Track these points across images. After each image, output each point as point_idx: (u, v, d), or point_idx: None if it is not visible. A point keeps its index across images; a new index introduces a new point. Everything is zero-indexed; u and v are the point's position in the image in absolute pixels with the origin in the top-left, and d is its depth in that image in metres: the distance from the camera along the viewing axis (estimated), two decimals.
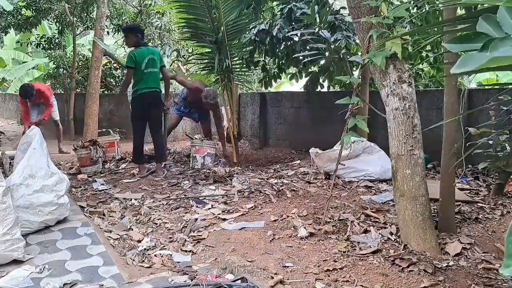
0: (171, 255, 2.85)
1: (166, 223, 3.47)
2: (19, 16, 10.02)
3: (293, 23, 6.02)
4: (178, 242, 3.07)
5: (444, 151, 3.04)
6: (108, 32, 10.51)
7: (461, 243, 2.85)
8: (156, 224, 3.46)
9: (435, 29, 3.13)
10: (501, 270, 0.81)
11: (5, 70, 16.02)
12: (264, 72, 7.13)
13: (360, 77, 3.29)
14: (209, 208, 3.75)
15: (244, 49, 6.42)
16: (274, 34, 6.01)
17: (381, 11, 2.82)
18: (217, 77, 6.06)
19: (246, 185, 4.42)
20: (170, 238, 3.17)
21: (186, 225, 3.38)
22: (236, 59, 6.20)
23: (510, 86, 4.85)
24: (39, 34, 11.73)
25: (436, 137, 3.53)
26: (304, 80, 6.93)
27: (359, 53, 4.39)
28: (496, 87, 6.05)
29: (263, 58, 7.10)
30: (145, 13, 10.23)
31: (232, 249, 2.89)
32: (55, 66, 10.61)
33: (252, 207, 3.71)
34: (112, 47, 12.10)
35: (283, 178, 4.70)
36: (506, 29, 0.97)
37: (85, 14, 9.97)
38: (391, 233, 3.01)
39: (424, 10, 4.35)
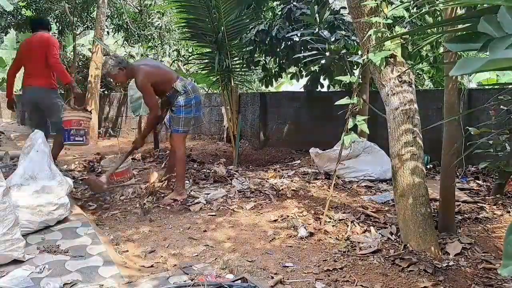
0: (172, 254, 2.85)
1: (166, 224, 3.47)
2: (19, 16, 10.03)
3: (293, 23, 6.02)
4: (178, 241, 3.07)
5: (444, 151, 3.04)
6: (108, 32, 10.52)
7: (461, 243, 2.85)
8: (158, 225, 3.46)
9: (435, 29, 3.13)
10: (500, 270, 0.81)
11: (5, 70, 16.01)
12: (265, 71, 7.14)
13: (360, 77, 3.28)
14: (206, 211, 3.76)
15: (244, 49, 6.43)
16: (274, 34, 6.02)
17: (381, 11, 2.82)
18: (217, 77, 6.06)
19: (246, 185, 4.42)
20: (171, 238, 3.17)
21: (186, 225, 3.39)
22: (236, 59, 6.20)
23: (510, 86, 4.84)
24: None
25: (436, 137, 3.53)
26: (304, 80, 6.94)
27: (359, 53, 4.39)
28: (496, 86, 6.05)
29: (263, 58, 7.11)
30: (145, 13, 10.23)
31: (232, 249, 2.89)
32: None
33: (252, 207, 3.72)
34: (112, 47, 12.10)
35: (283, 178, 4.70)
36: (507, 29, 0.97)
37: (85, 14, 9.98)
38: (391, 233, 3.01)
39: (423, 10, 4.34)
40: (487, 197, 3.96)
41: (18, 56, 4.86)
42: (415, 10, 4.37)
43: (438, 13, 4.63)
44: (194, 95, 4.04)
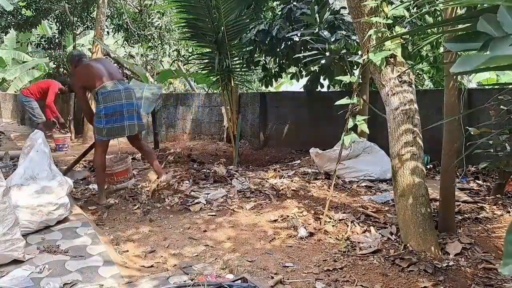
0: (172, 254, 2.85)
1: (166, 224, 3.47)
2: (19, 16, 10.02)
3: (293, 23, 6.02)
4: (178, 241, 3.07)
5: (444, 151, 3.03)
6: (108, 32, 10.52)
7: (461, 243, 2.85)
8: (158, 225, 3.46)
9: (435, 29, 3.13)
10: (500, 269, 0.81)
11: (5, 70, 16.01)
12: (265, 71, 7.13)
13: (360, 77, 3.28)
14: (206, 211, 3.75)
15: (244, 49, 6.42)
16: (274, 34, 6.02)
17: (381, 11, 2.82)
18: (217, 77, 6.06)
19: (246, 185, 4.41)
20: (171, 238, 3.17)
21: (186, 225, 3.39)
22: (236, 59, 6.20)
23: (510, 86, 4.84)
24: (39, 34, 11.73)
25: (436, 137, 3.53)
26: (304, 80, 6.93)
27: (359, 53, 4.39)
28: (496, 87, 6.05)
29: (263, 58, 7.10)
30: (145, 13, 10.23)
31: (232, 249, 2.89)
32: (55, 66, 10.61)
33: (252, 207, 3.71)
34: (112, 47, 12.10)
35: (283, 178, 4.69)
36: (507, 29, 0.97)
37: (85, 14, 9.97)
38: (391, 233, 3.01)
39: (423, 10, 4.34)
40: (487, 197, 3.96)
41: None
42: (415, 10, 4.37)
43: (438, 13, 4.64)
44: (103, 106, 3.90)
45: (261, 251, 2.84)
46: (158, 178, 4.19)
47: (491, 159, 3.72)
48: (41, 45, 10.61)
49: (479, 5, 1.57)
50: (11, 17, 9.94)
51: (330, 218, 3.31)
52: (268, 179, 4.68)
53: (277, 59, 6.80)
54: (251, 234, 3.15)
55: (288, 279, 2.42)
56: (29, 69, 15.36)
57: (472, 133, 3.44)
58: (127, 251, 2.94)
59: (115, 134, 4.01)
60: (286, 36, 5.90)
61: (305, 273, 2.50)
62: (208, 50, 6.19)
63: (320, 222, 3.23)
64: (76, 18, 9.91)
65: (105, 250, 2.82)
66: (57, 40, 10.65)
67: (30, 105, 7.76)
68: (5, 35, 11.56)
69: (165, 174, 4.26)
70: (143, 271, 2.63)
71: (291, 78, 7.28)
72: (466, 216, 3.41)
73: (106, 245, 2.92)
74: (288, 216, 3.39)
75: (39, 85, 8.10)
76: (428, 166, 5.14)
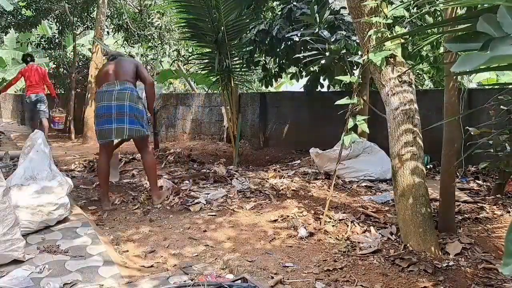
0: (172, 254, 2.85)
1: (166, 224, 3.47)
2: (19, 16, 10.04)
3: (293, 23, 6.02)
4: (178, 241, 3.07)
5: (444, 151, 3.03)
6: (108, 32, 10.53)
7: (461, 243, 2.84)
8: (158, 225, 3.46)
9: (435, 29, 3.13)
10: (500, 268, 0.81)
11: (5, 70, 16.02)
12: (265, 71, 7.14)
13: (360, 77, 3.28)
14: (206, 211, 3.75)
15: (244, 49, 6.42)
16: (274, 34, 6.02)
17: (381, 11, 2.82)
18: (217, 77, 6.06)
19: (246, 185, 4.41)
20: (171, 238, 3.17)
21: (186, 225, 3.39)
22: (236, 59, 6.20)
23: (510, 86, 4.84)
24: (39, 34, 11.74)
25: (436, 137, 3.53)
26: (304, 80, 6.94)
27: (359, 53, 4.39)
28: (496, 87, 6.05)
29: (263, 58, 7.11)
30: (145, 13, 10.24)
31: (232, 249, 2.89)
32: (55, 66, 10.62)
33: (252, 207, 3.71)
34: (112, 47, 12.09)
35: (283, 178, 4.69)
36: (506, 29, 0.97)
37: (85, 14, 9.99)
38: (391, 233, 3.01)
39: (423, 10, 4.34)
40: (487, 197, 3.96)
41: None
42: (415, 10, 4.37)
43: (438, 13, 4.63)
44: (96, 107, 3.83)
45: (261, 251, 2.84)
46: (150, 197, 3.96)
47: (491, 159, 3.72)
48: (41, 45, 10.62)
49: (479, 5, 1.57)
50: (11, 17, 9.96)
51: (330, 218, 3.31)
52: (268, 179, 4.68)
53: (277, 59, 6.80)
54: (251, 234, 3.15)
55: (288, 279, 2.42)
56: None
57: (472, 133, 3.45)
58: (127, 251, 2.94)
59: (104, 136, 3.79)
60: (286, 36, 5.90)
61: (305, 273, 2.50)
62: (208, 50, 6.20)
63: (320, 222, 3.23)
64: (76, 18, 9.93)
65: (105, 250, 2.81)
66: (57, 40, 10.66)
67: (46, 101, 7.86)
68: (5, 35, 11.58)
69: (159, 197, 3.96)
70: (143, 271, 2.63)
71: (291, 78, 7.28)
72: (466, 216, 3.41)
73: (106, 245, 2.92)
74: (288, 216, 3.39)
75: (38, 75, 7.83)
76: (428, 166, 5.14)
